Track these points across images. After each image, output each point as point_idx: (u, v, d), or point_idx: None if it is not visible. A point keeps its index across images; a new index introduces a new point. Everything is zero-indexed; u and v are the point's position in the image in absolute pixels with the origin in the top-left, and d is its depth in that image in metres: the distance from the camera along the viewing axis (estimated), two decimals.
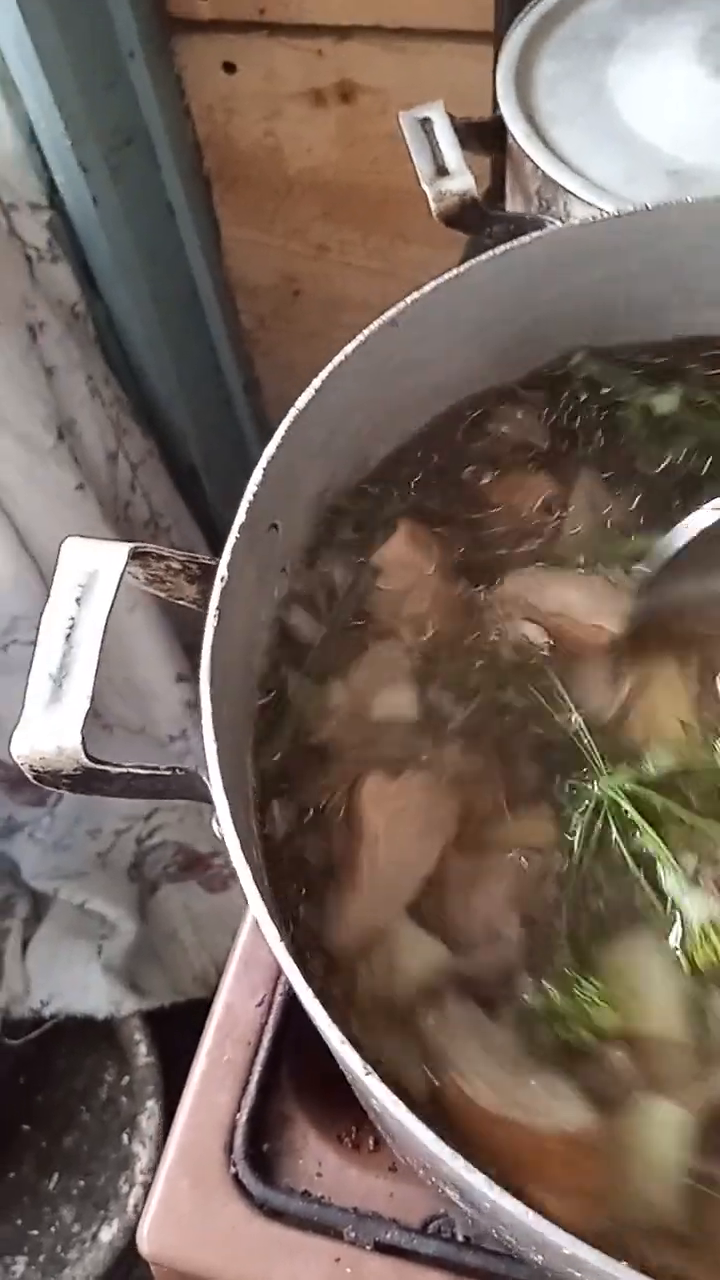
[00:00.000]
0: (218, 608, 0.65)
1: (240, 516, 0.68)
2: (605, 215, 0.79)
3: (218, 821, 0.59)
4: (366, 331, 0.75)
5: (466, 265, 0.77)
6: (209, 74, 1.63)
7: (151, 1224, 0.85)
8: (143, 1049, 1.99)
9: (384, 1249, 0.80)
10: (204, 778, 0.60)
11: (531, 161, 1.00)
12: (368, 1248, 0.81)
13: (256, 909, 0.56)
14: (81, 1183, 2.01)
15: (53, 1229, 1.98)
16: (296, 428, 0.72)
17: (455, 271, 0.77)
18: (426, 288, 0.76)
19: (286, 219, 1.80)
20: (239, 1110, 0.87)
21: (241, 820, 0.60)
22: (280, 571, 0.78)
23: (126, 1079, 2.05)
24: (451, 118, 1.06)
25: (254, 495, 0.69)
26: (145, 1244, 0.85)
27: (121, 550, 0.66)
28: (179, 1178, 0.86)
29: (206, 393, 1.98)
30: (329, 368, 0.73)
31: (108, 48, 1.50)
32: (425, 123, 1.02)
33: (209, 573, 0.67)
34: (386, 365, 0.78)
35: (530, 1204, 0.47)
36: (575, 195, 0.96)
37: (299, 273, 1.89)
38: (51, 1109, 2.07)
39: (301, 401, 0.72)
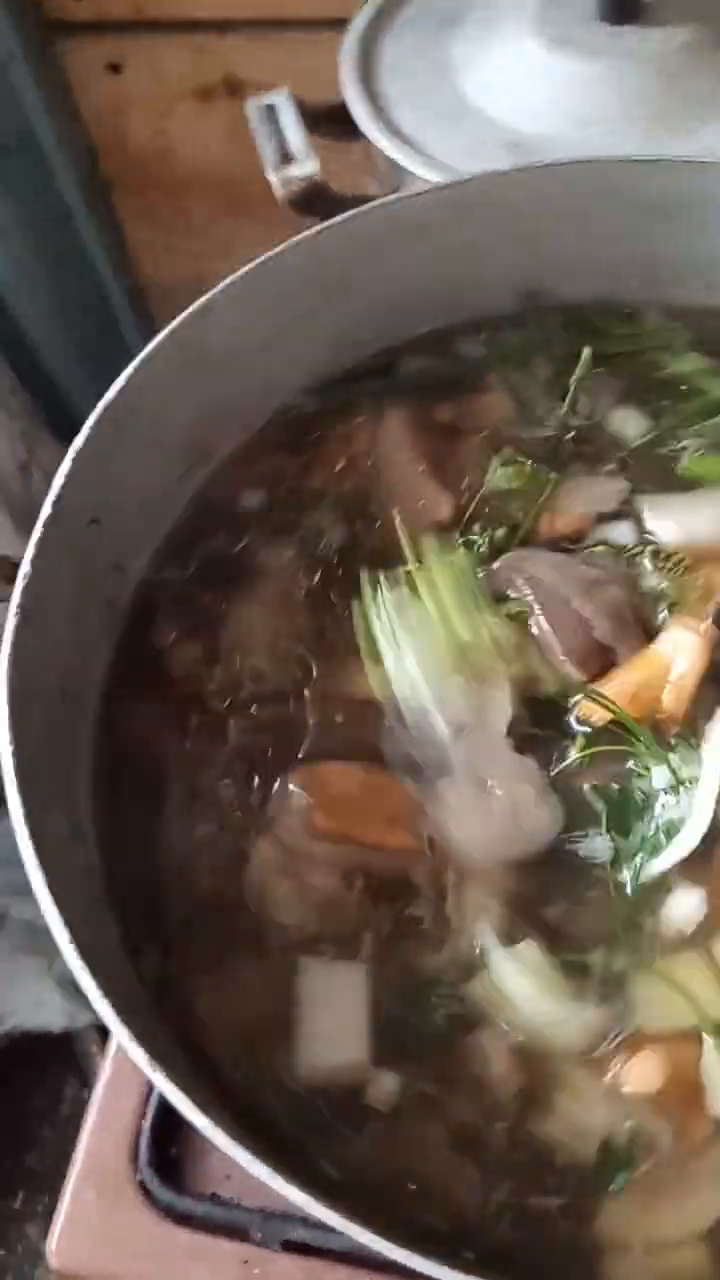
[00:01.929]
0: (19, 605, 0.64)
1: (45, 509, 0.67)
2: (426, 187, 0.78)
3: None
4: (177, 321, 0.74)
5: (279, 248, 0.76)
6: (94, 76, 1.62)
7: (60, 1237, 0.83)
8: (100, 1061, 1.98)
9: (292, 1248, 0.79)
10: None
11: (374, 143, 0.99)
12: (275, 1248, 0.80)
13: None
14: (46, 1199, 1.99)
15: (19, 1248, 1.97)
16: (107, 420, 0.71)
17: (267, 255, 0.77)
18: (238, 273, 0.75)
19: (188, 219, 1.79)
20: (144, 1116, 0.86)
21: (49, 834, 0.60)
22: (112, 568, 0.77)
23: (86, 1092, 2.04)
24: (302, 104, 1.05)
25: (60, 489, 0.68)
26: (53, 1258, 0.84)
27: None
28: (85, 1189, 0.84)
29: None
30: (138, 358, 0.72)
31: None
32: (270, 110, 1.02)
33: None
34: (208, 355, 0.77)
35: None
36: (416, 174, 0.95)
37: (208, 273, 1.86)
38: (12, 1127, 2.05)
39: (110, 394, 0.71)
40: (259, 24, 1.51)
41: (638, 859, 0.67)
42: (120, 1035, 0.53)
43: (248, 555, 0.82)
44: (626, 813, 0.68)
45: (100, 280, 1.86)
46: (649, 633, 0.74)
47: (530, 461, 0.82)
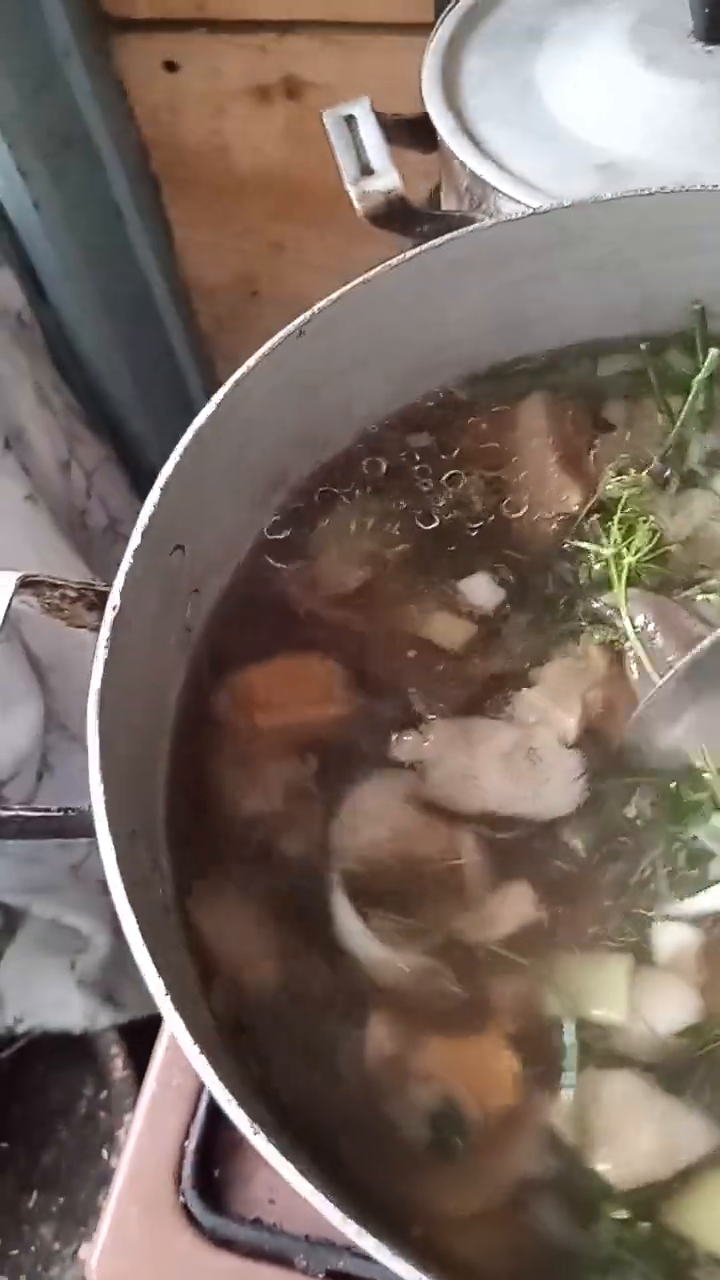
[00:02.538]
0: (108, 639, 0.62)
1: (135, 539, 0.65)
2: (524, 212, 0.76)
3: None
4: (272, 341, 0.72)
5: (374, 271, 0.74)
6: (150, 73, 1.60)
7: (101, 1254, 0.83)
8: (119, 1063, 1.97)
9: (337, 1277, 0.77)
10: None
11: (459, 159, 0.97)
12: (320, 1276, 0.79)
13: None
14: (61, 1200, 1.99)
15: (33, 1248, 1.96)
16: (197, 444, 0.69)
17: (366, 276, 0.75)
18: (336, 293, 0.73)
19: (238, 218, 1.77)
20: (187, 1137, 0.85)
21: (133, 862, 0.58)
22: (192, 593, 0.75)
23: (104, 1093, 2.03)
24: (380, 115, 1.03)
25: (150, 517, 0.66)
26: (94, 1275, 0.83)
27: (9, 579, 0.64)
28: (128, 1206, 0.84)
29: (166, 397, 1.95)
30: (230, 381, 0.71)
31: (40, 49, 1.47)
32: (350, 120, 1.00)
33: (105, 600, 0.65)
34: (297, 379, 0.75)
35: None
36: (501, 191, 0.93)
37: (255, 273, 1.86)
38: (29, 1126, 2.04)
39: (202, 417, 0.69)
40: (322, 25, 1.49)
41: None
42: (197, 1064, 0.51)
43: None
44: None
45: (145, 277, 1.85)
46: None
47: (645, 474, 0.83)
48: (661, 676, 0.68)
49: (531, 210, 0.76)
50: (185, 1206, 0.82)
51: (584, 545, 0.80)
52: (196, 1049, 0.53)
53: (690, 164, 0.92)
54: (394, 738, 0.73)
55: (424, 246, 0.74)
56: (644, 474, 0.85)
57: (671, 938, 0.66)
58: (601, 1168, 0.59)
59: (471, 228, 0.74)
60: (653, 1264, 0.57)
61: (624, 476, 0.85)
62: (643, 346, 0.86)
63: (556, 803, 0.70)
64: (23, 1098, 2.06)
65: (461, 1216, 0.59)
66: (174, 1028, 0.54)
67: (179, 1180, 0.83)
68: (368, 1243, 0.47)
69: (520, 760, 0.72)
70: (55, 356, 1.75)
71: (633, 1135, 0.59)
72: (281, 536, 0.82)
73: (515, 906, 0.67)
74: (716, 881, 0.66)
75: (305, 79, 1.55)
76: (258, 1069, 0.64)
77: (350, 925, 0.66)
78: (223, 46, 1.54)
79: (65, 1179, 2.01)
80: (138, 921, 0.55)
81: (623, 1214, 0.58)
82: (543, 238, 0.79)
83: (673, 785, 0.70)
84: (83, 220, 1.67)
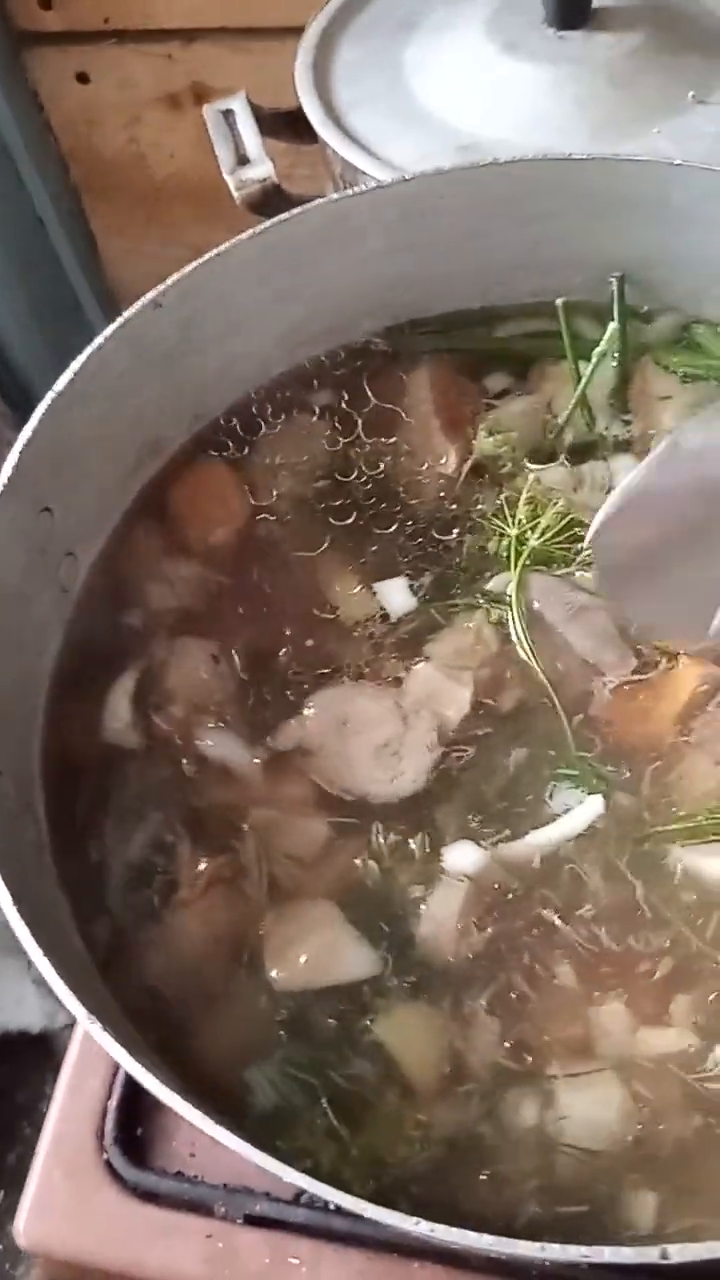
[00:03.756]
0: None
1: None
2: (367, 187, 0.80)
3: None
4: (127, 313, 0.76)
5: (229, 243, 0.78)
6: (64, 85, 1.64)
7: (28, 1216, 0.85)
8: None
9: (255, 1221, 0.80)
10: None
11: (330, 146, 1.01)
12: (238, 1221, 0.81)
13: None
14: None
15: (1, 1246, 1.97)
16: (56, 410, 0.73)
17: (218, 250, 0.79)
18: (186, 269, 0.77)
19: (160, 225, 1.81)
20: (110, 1096, 0.87)
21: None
22: (66, 555, 0.79)
23: None
24: (258, 109, 1.08)
25: (9, 478, 0.70)
26: (22, 1237, 0.85)
27: None
28: (53, 1168, 0.86)
29: None
30: (88, 350, 0.74)
31: None
32: (228, 114, 1.04)
33: None
34: (158, 347, 0.79)
35: None
36: (370, 175, 0.97)
37: None
38: None
39: (60, 383, 0.73)
40: (226, 32, 1.53)
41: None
42: (59, 989, 0.54)
43: None
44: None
45: (72, 285, 1.88)
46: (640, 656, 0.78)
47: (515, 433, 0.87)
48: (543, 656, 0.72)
49: (376, 184, 0.81)
50: (109, 1163, 0.84)
51: (494, 523, 0.84)
52: (52, 969, 0.56)
53: (547, 141, 0.96)
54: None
55: (274, 220, 0.79)
56: (513, 434, 0.89)
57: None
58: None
59: (317, 202, 0.78)
60: None
61: (495, 436, 0.89)
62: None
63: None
64: None
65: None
66: (29, 947, 0.58)
67: (101, 1138, 0.85)
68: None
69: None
70: None
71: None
72: (155, 499, 0.85)
73: None
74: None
75: (213, 85, 1.59)
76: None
77: None
78: (131, 56, 1.58)
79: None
80: None
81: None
82: (393, 210, 0.83)
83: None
84: (7, 233, 1.70)
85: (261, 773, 0.75)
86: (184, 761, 0.76)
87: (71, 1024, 2.00)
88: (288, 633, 0.81)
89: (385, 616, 0.82)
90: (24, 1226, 0.85)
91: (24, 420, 1.84)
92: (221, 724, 0.77)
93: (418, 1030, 0.66)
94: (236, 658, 0.80)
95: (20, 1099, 2.08)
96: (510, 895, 0.70)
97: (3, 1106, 2.08)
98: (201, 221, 1.79)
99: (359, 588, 0.83)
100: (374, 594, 0.83)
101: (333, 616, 0.82)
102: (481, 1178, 0.62)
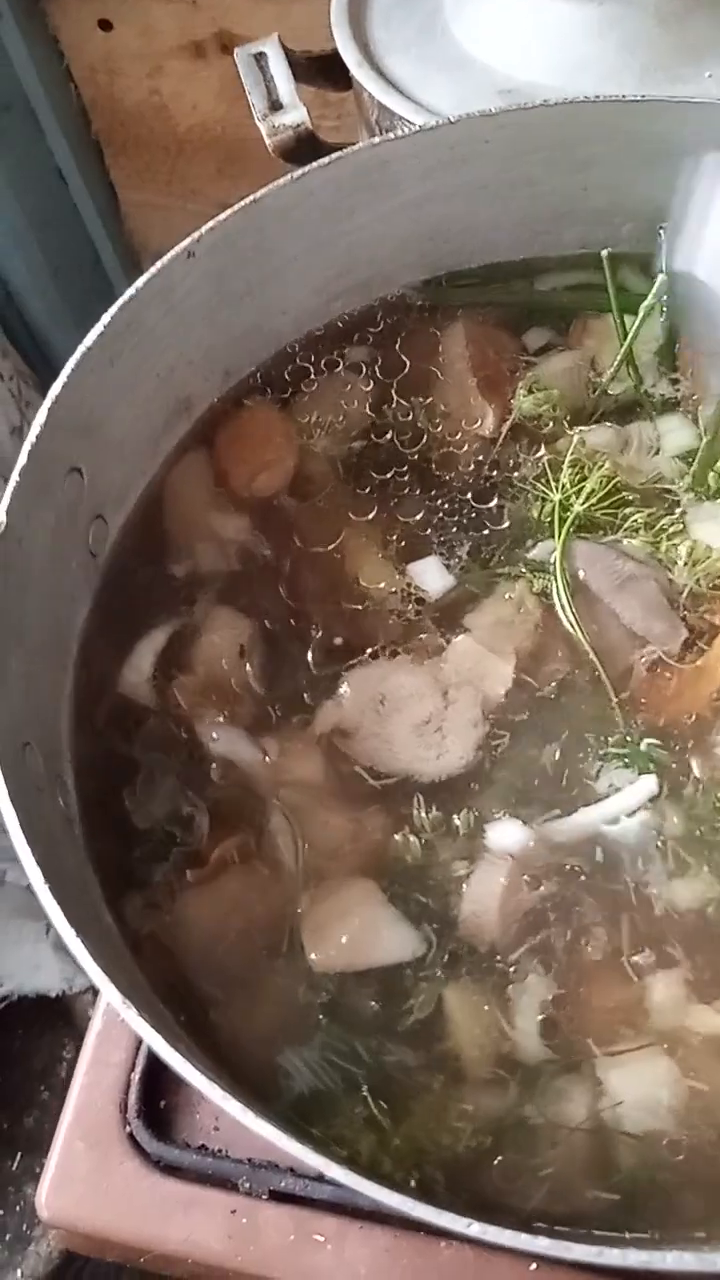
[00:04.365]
0: None
1: (21, 459, 0.66)
2: (407, 131, 0.76)
3: None
4: (159, 263, 0.73)
5: (265, 189, 0.75)
6: (85, 33, 1.59)
7: (49, 1189, 0.84)
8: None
9: (279, 1197, 0.79)
10: None
11: (367, 91, 0.97)
12: (263, 1197, 0.80)
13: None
14: (45, 1161, 2.00)
15: (18, 1208, 1.98)
16: (86, 366, 0.70)
17: (254, 196, 0.75)
18: (218, 218, 0.73)
19: (182, 179, 1.77)
20: (133, 1068, 0.86)
21: (24, 771, 0.59)
22: (95, 518, 0.76)
23: None
24: (291, 53, 1.04)
25: (37, 438, 0.67)
26: (44, 1209, 0.85)
27: None
28: (75, 1140, 0.85)
29: None
30: (119, 302, 0.71)
31: None
32: (260, 58, 1.00)
33: None
34: (189, 300, 0.76)
35: None
36: (407, 120, 0.93)
37: None
38: (11, 1090, 2.06)
39: (90, 338, 0.70)
40: None
41: None
42: (92, 972, 0.52)
43: None
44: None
45: (92, 241, 1.84)
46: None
47: (556, 391, 0.84)
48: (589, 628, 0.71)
49: (419, 127, 0.77)
50: (131, 1136, 0.83)
51: (536, 487, 0.81)
52: (77, 939, 0.54)
53: (592, 85, 0.92)
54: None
55: (310, 166, 0.75)
56: (554, 392, 0.86)
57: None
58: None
59: (357, 145, 0.75)
60: None
61: (535, 394, 0.86)
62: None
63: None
64: (4, 1062, 2.08)
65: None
66: (57, 922, 0.56)
67: (124, 1111, 0.84)
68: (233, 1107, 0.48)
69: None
70: (4, 323, 1.75)
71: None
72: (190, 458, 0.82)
73: None
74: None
75: (238, 34, 1.55)
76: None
77: None
78: (154, 2, 1.54)
79: (48, 1141, 2.02)
80: (24, 817, 0.56)
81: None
82: (435, 156, 0.80)
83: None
84: (25, 184, 1.67)
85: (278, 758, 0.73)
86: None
87: (89, 989, 2.00)
88: (320, 605, 0.78)
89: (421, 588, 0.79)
90: (46, 1199, 0.84)
91: (44, 381, 1.83)
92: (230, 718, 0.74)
93: (464, 1013, 0.64)
94: (262, 652, 0.77)
95: (37, 1063, 2.09)
96: (556, 875, 0.67)
97: (20, 1071, 2.08)
98: (225, 176, 1.75)
99: (393, 560, 0.80)
100: (405, 573, 0.80)
101: (366, 588, 0.79)
102: (529, 1165, 0.60)
